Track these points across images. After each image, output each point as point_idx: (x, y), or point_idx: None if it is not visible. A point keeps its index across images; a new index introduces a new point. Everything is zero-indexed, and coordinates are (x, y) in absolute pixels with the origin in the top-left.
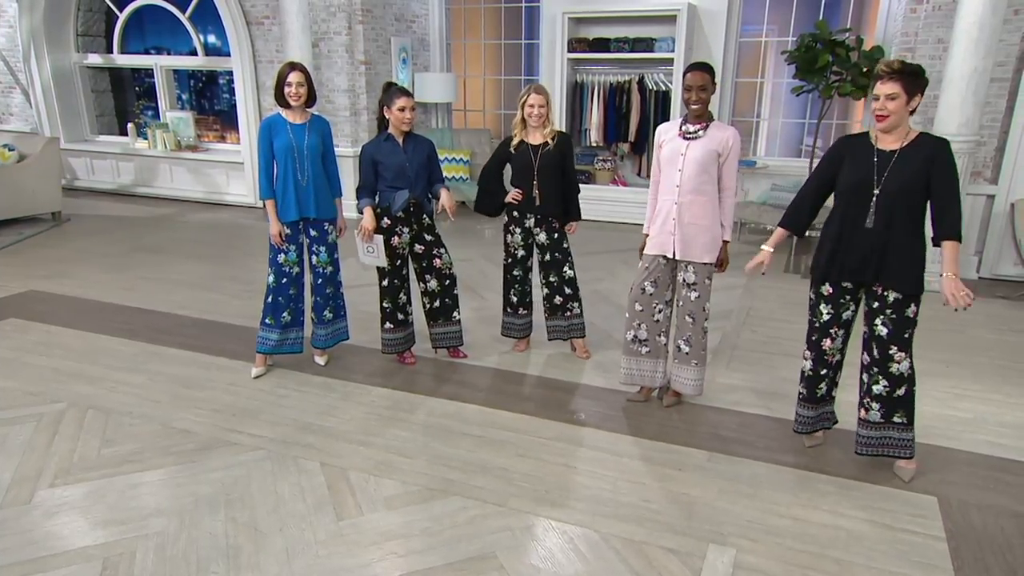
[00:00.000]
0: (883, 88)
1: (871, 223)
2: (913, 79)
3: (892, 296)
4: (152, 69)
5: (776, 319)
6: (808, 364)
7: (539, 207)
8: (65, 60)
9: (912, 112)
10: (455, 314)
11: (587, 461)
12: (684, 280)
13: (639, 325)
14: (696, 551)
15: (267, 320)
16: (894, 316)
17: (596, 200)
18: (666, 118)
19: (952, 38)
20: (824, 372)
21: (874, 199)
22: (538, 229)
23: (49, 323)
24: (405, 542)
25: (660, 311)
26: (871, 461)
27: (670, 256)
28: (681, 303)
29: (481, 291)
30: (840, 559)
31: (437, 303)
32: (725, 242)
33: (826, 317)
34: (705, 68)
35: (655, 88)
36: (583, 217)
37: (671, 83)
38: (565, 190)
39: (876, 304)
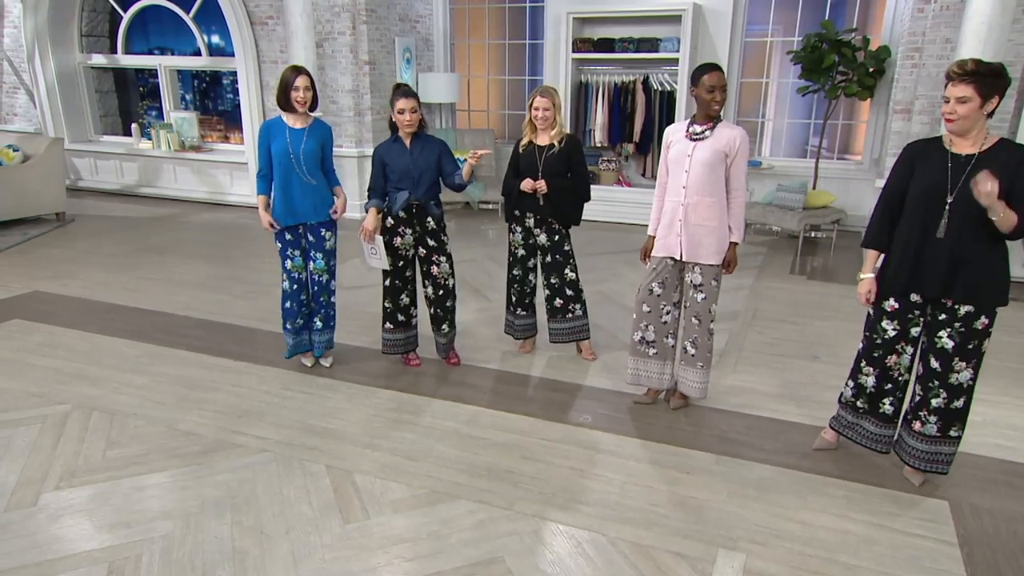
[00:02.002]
0: (953, 91)
1: (943, 233)
2: (990, 80)
3: (964, 310)
4: (156, 69)
5: (783, 321)
6: (870, 380)
7: (540, 207)
8: (69, 60)
9: (990, 115)
10: (444, 326)
11: (594, 464)
12: (691, 281)
13: (646, 326)
14: (706, 555)
15: (287, 325)
16: (962, 329)
17: (600, 201)
18: (671, 119)
19: (960, 38)
20: (889, 387)
21: (947, 207)
22: (538, 230)
23: (53, 324)
24: (412, 546)
25: (668, 312)
26: (880, 465)
27: (677, 258)
28: (688, 304)
29: (485, 292)
30: (850, 564)
31: (432, 311)
32: (733, 244)
33: (892, 333)
34: (720, 68)
35: (660, 88)
36: (588, 219)
37: (676, 83)
38: (571, 193)
39: (943, 316)
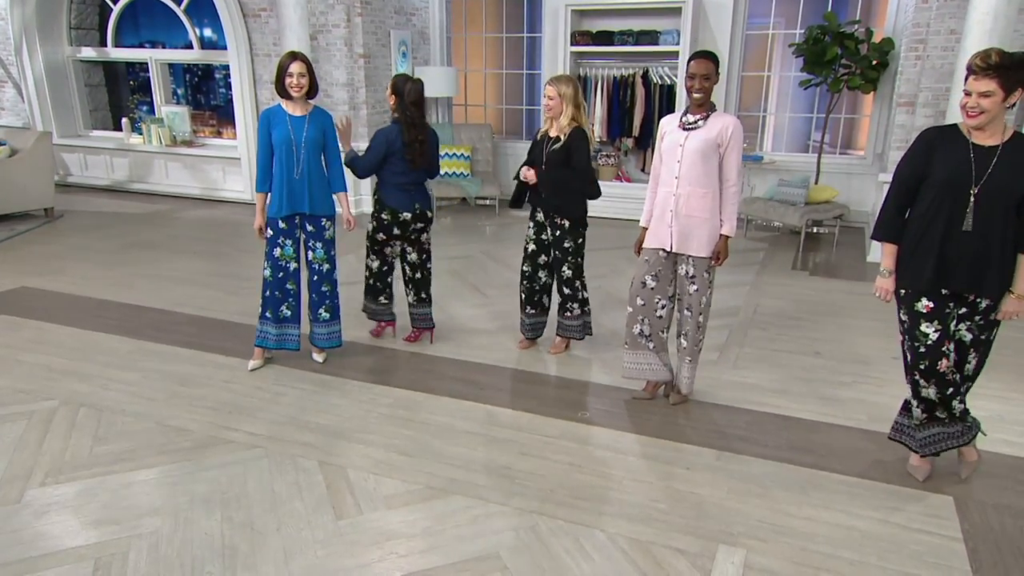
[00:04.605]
0: (976, 85)
1: (969, 226)
2: (1014, 74)
3: (985, 303)
4: (147, 63)
5: (784, 316)
6: (932, 391)
7: (540, 200)
8: (58, 53)
9: (1012, 107)
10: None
11: (592, 460)
12: (685, 273)
13: (642, 320)
14: (705, 551)
15: (267, 314)
16: (982, 322)
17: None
18: (671, 112)
19: (965, 29)
20: (951, 392)
21: (972, 199)
22: (547, 223)
23: (42, 320)
24: (406, 542)
25: (663, 306)
26: (883, 460)
27: (668, 249)
28: (681, 297)
29: (483, 288)
30: (853, 560)
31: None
32: (724, 236)
33: (935, 336)
34: (709, 56)
35: (660, 82)
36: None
37: (676, 77)
38: (564, 186)
39: (964, 310)
